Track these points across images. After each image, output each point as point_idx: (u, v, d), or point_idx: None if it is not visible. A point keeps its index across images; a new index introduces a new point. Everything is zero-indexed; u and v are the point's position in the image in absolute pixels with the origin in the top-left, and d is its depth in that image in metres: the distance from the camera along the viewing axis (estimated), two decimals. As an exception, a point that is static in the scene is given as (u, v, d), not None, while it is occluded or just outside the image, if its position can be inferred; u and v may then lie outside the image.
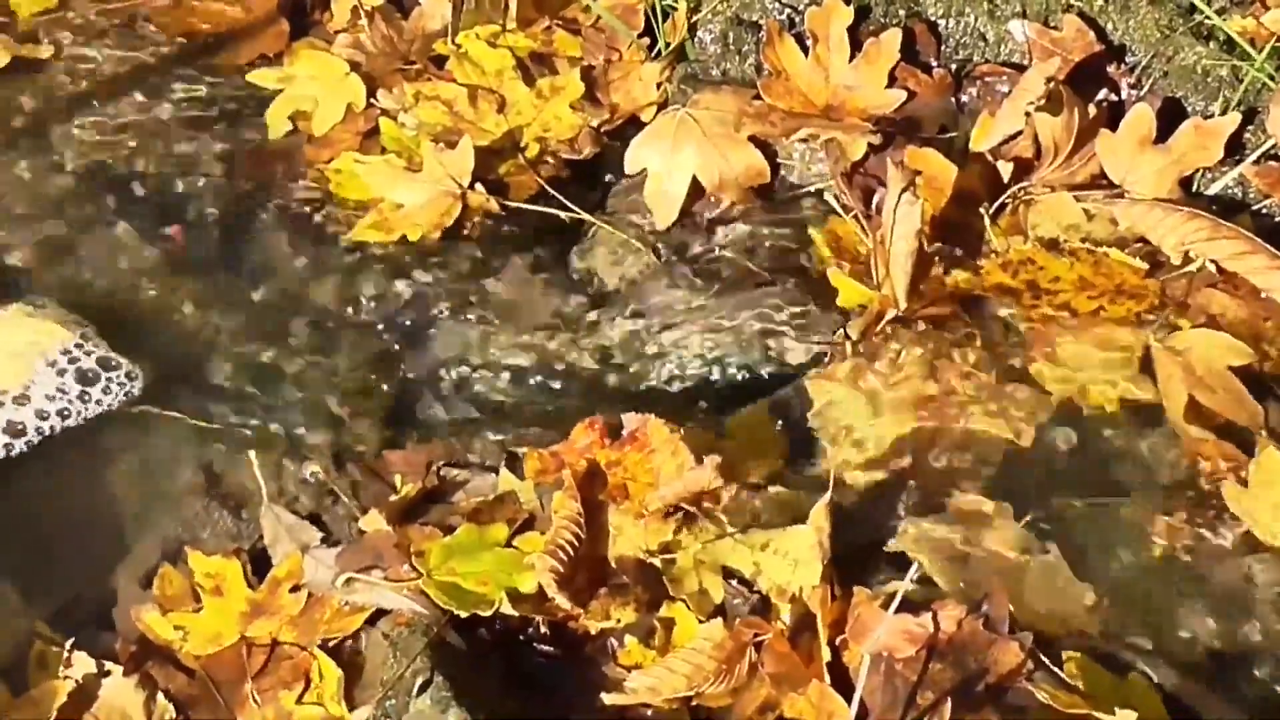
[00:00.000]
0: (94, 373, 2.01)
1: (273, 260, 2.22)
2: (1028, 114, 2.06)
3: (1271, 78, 2.07)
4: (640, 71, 2.37)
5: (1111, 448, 1.84)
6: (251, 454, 1.94)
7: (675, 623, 1.68)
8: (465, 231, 2.22)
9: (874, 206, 2.08)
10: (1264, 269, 1.95)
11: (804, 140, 2.20)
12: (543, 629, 1.71)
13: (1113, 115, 2.11)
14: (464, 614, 1.68)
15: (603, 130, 2.34)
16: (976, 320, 1.98)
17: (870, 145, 2.14)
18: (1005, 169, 2.10)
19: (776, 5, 2.32)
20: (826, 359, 1.98)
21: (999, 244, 2.05)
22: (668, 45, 2.36)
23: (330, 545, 1.84)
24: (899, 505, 1.80)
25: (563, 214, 2.22)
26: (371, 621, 1.76)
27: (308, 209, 2.28)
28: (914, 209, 1.91)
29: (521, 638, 1.71)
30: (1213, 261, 1.97)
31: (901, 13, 2.28)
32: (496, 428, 1.98)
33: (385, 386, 2.07)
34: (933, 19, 2.28)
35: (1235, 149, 2.09)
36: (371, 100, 2.39)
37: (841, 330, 2.00)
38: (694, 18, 2.35)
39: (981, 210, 2.08)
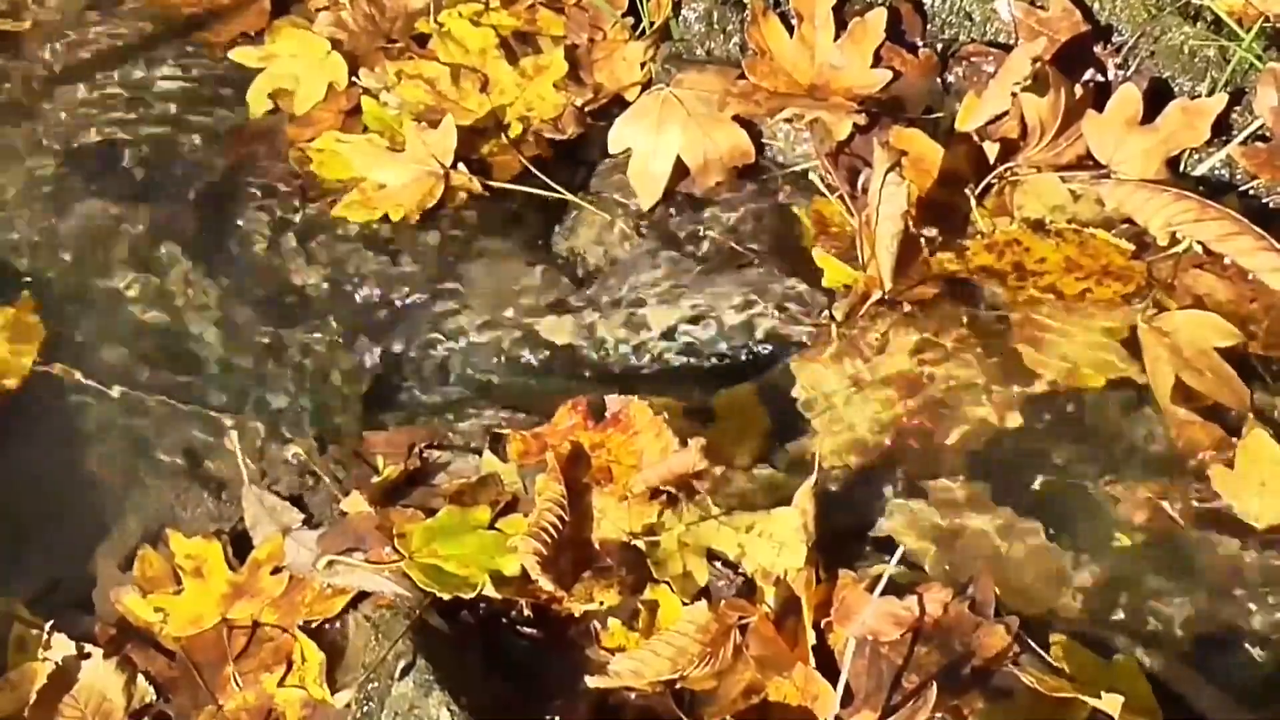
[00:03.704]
0: None
1: (254, 240, 2.21)
2: (1014, 94, 2.05)
3: (1259, 58, 2.06)
4: (624, 51, 2.35)
5: (1098, 430, 1.84)
6: (233, 435, 1.93)
7: (659, 605, 1.68)
8: (448, 211, 2.21)
9: (859, 187, 2.07)
10: (1251, 250, 1.94)
11: (789, 120, 2.19)
12: (526, 612, 1.70)
13: (1099, 95, 2.10)
14: (446, 597, 1.67)
15: (586, 110, 2.33)
16: (962, 302, 1.97)
17: (855, 125, 2.13)
18: (991, 150, 2.09)
19: (761, -16, 2.31)
20: (812, 340, 1.98)
21: (985, 225, 2.04)
22: (652, 24, 2.35)
23: (312, 527, 1.83)
24: (884, 487, 1.80)
25: (546, 194, 2.21)
26: (354, 604, 1.75)
27: (288, 188, 2.26)
28: (900, 190, 1.90)
29: (504, 621, 1.71)
30: (1199, 242, 1.97)
31: (887, -9, 2.28)
32: (479, 409, 1.97)
33: (367, 367, 2.07)
34: (918, -2, 2.27)
35: (1222, 129, 2.08)
36: (353, 79, 2.38)
37: (827, 311, 1.99)
38: (678, -4, 2.34)
39: (967, 191, 2.07)
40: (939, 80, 2.24)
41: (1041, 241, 2.01)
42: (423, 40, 2.43)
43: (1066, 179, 2.07)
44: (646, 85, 2.32)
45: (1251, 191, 2.08)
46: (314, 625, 1.75)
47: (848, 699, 1.54)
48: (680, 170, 2.20)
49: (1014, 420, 1.85)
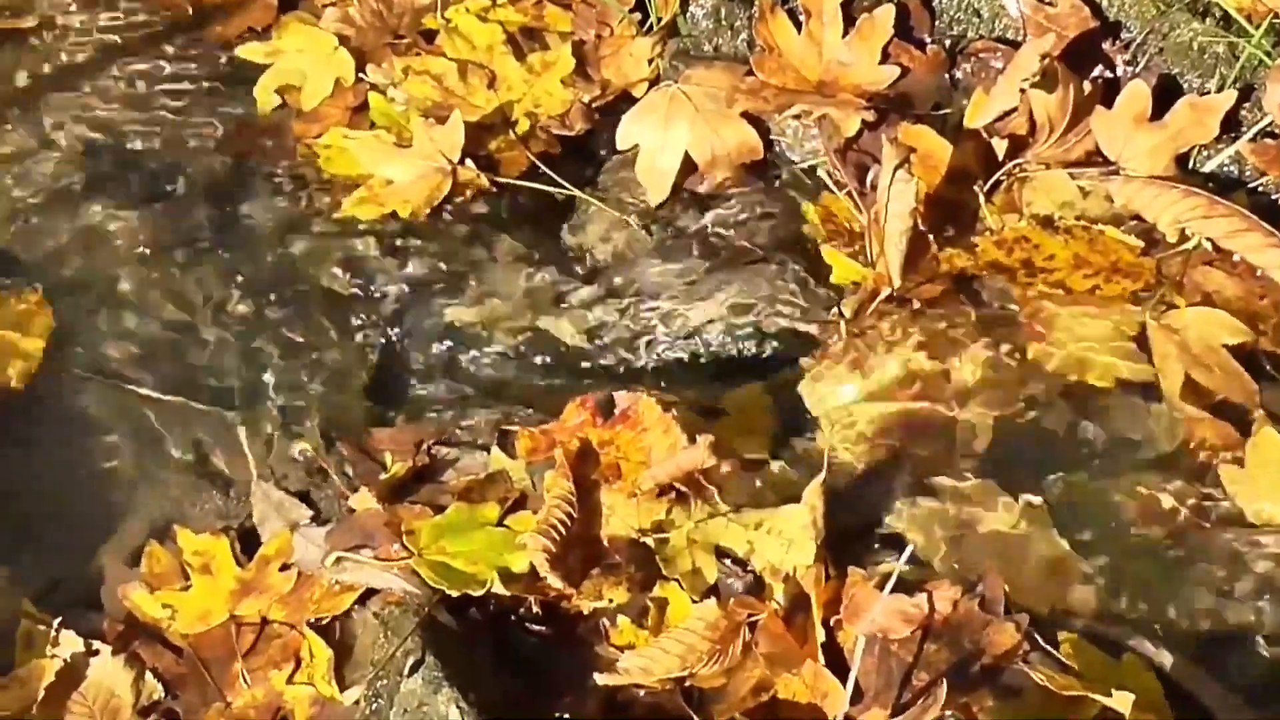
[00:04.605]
0: None
1: (261, 236, 2.20)
2: (1022, 90, 2.04)
3: (1268, 54, 2.05)
4: (632, 47, 2.35)
5: (1107, 427, 1.84)
6: (240, 431, 1.93)
7: (668, 602, 1.68)
8: (455, 208, 2.21)
9: (868, 183, 2.07)
10: (1260, 246, 1.94)
11: (797, 117, 2.19)
12: (535, 609, 1.70)
13: (1108, 92, 2.10)
14: (455, 594, 1.67)
15: (594, 106, 2.32)
16: (971, 298, 1.97)
17: (864, 122, 2.13)
18: (1000, 146, 2.09)
19: (769, -20, 2.30)
20: (820, 337, 1.97)
21: (994, 222, 2.04)
22: (659, 20, 2.35)
23: (320, 523, 1.83)
24: (893, 484, 1.79)
25: (554, 190, 2.21)
26: (362, 601, 1.75)
27: (296, 184, 2.26)
28: (908, 186, 1.90)
29: (513, 618, 1.71)
30: (1208, 239, 1.96)
31: (895, -13, 2.27)
32: (487, 406, 1.97)
33: (375, 364, 2.06)
34: (926, -6, 2.27)
35: (1231, 126, 2.08)
36: (360, 75, 2.37)
37: (835, 308, 1.99)
38: (686, -8, 2.34)
39: (976, 188, 2.07)
40: (947, 77, 2.24)
41: (1050, 238, 2.01)
42: (430, 36, 2.43)
43: (1075, 175, 2.07)
44: (654, 81, 2.32)
45: (1260, 188, 2.08)
46: (322, 622, 1.75)
47: (857, 696, 1.54)
48: (688, 166, 2.19)
49: (1023, 417, 1.84)
